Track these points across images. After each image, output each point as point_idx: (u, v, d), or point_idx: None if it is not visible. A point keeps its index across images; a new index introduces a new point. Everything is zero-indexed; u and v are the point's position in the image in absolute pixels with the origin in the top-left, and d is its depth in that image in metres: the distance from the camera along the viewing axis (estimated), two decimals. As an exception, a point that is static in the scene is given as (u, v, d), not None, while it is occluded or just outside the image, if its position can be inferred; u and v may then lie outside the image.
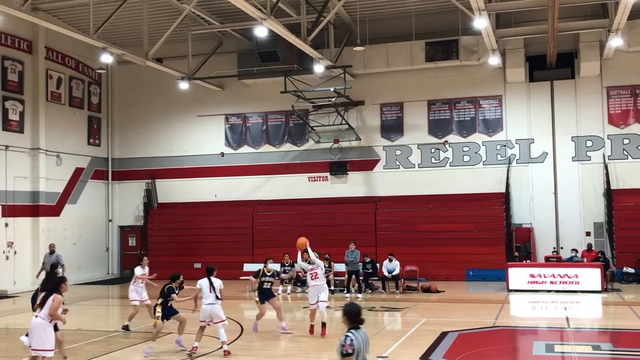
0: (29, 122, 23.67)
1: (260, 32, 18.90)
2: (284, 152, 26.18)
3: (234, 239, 25.13)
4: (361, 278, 20.27)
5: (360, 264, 20.29)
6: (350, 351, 5.72)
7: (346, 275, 20.38)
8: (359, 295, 19.50)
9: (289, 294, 20.51)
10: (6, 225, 22.37)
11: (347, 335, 5.77)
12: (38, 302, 9.72)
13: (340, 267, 20.98)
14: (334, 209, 24.76)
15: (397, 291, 20.11)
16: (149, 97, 27.45)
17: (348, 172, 25.32)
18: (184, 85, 24.21)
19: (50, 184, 24.37)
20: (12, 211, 22.69)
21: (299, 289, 20.80)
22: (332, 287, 20.12)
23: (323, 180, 25.64)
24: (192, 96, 26.14)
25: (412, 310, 17.08)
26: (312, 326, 13.51)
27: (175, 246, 25.60)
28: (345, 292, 19.95)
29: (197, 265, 25.02)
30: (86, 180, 26.60)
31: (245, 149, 26.66)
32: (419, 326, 14.37)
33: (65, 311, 10.02)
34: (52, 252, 19.21)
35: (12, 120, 23.04)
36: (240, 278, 18.72)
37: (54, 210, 24.71)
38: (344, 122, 24.57)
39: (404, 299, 18.88)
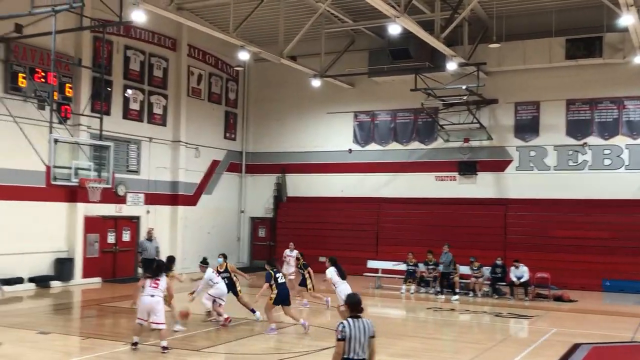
0: (172, 115, 25.15)
1: (394, 30, 18.82)
2: (411, 150, 25.98)
3: (358, 234, 25.31)
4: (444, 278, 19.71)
5: (450, 266, 20.00)
6: (339, 337, 6.39)
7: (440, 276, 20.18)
8: (441, 297, 19.31)
9: (412, 293, 20.33)
10: (148, 212, 23.90)
11: (341, 323, 6.47)
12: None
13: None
14: (461, 209, 24.24)
15: (526, 298, 19.36)
16: (282, 94, 28.21)
17: (477, 173, 24.68)
18: (316, 83, 24.61)
19: (188, 174, 25.75)
20: (154, 199, 24.22)
21: (422, 289, 20.57)
22: (458, 290, 19.78)
23: (451, 180, 25.18)
24: (323, 93, 26.53)
25: (542, 319, 16.38)
26: None
27: (301, 239, 25.97)
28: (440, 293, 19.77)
29: (322, 259, 25.37)
30: (221, 173, 27.86)
31: (373, 146, 26.74)
32: (549, 336, 13.75)
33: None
34: (149, 238, 19.98)
35: (156, 113, 24.58)
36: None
37: (191, 200, 26.08)
38: (475, 120, 23.99)
39: (533, 307, 18.13)
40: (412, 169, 25.74)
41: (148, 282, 11.45)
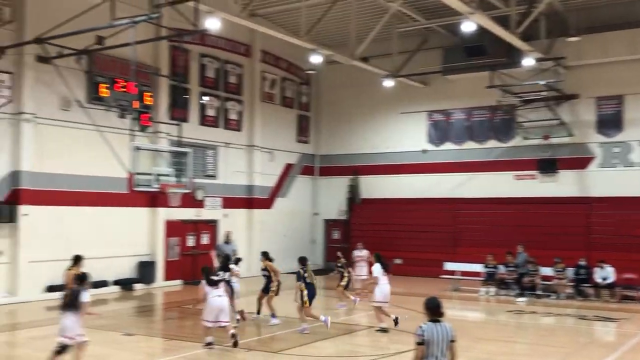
0: (246, 121, 25.58)
1: (468, 27, 18.45)
2: (488, 149, 25.40)
3: (434, 236, 24.92)
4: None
5: (526, 266, 19.65)
6: (418, 340, 6.36)
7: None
8: (522, 299, 18.84)
9: (491, 295, 19.83)
10: (225, 216, 24.37)
11: (420, 326, 6.42)
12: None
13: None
14: (542, 209, 23.44)
15: (612, 300, 18.55)
16: (354, 96, 28.17)
17: (558, 171, 23.86)
18: (388, 83, 24.41)
19: (264, 178, 26.11)
20: (231, 203, 24.68)
21: (502, 291, 20.03)
22: (539, 292, 19.21)
23: (530, 179, 24.45)
24: (395, 93, 26.28)
25: (630, 321, 15.65)
26: None
27: (376, 240, 25.72)
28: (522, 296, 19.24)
29: (398, 261, 25.22)
30: (295, 176, 28.11)
31: (448, 145, 26.31)
32: (638, 339, 13.12)
33: None
34: (227, 241, 20.13)
35: (232, 119, 25.06)
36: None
37: (267, 203, 26.42)
38: (554, 117, 23.18)
39: (619, 309, 17.36)
40: (489, 168, 25.14)
41: (209, 287, 11.83)
